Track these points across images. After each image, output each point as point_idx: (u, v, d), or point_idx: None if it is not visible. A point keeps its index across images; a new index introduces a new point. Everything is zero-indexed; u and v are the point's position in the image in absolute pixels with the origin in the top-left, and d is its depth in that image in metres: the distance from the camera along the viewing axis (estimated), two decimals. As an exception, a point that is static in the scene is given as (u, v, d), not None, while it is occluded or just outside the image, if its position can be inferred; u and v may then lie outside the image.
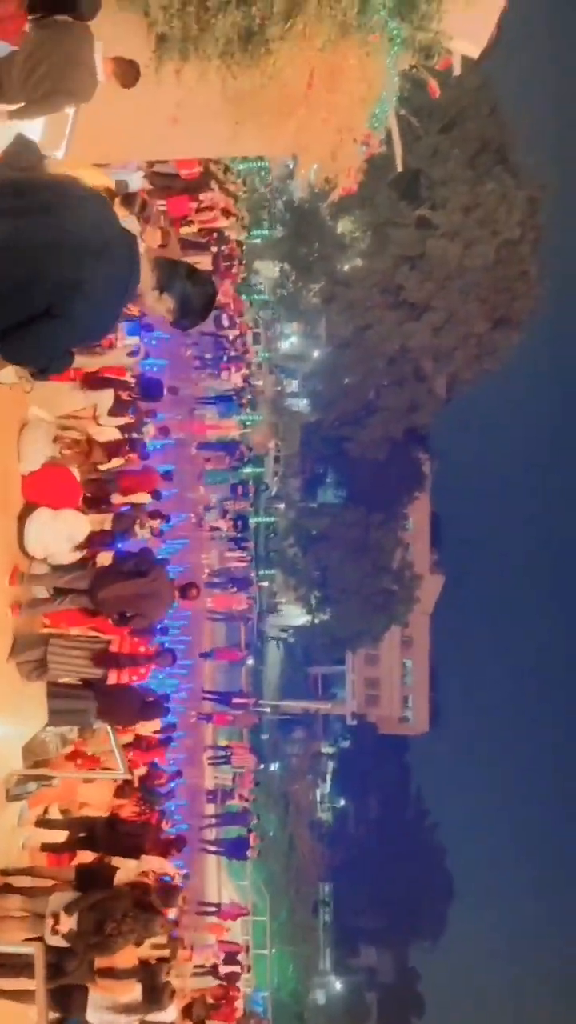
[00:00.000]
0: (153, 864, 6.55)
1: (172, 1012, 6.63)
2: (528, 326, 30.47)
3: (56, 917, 5.40)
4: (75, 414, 7.79)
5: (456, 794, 62.71)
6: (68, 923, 5.41)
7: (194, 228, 13.19)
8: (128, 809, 8.69)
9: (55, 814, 7.51)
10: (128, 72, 4.68)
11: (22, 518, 6.60)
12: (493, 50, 5.64)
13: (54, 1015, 5.87)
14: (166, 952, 6.12)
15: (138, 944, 5.62)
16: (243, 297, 21.94)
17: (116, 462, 8.16)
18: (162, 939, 5.90)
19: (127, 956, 5.53)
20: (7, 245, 2.39)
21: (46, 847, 7.09)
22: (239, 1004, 12.45)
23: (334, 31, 4.55)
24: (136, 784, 9.28)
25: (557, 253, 30.70)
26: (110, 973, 5.51)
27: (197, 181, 12.19)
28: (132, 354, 8.49)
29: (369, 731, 49.69)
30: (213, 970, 12.57)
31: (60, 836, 7.31)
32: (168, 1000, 6.07)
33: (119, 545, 8.33)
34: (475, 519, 71.42)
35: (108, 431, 8.15)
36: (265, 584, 35.15)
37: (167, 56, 4.88)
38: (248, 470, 24.74)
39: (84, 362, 7.08)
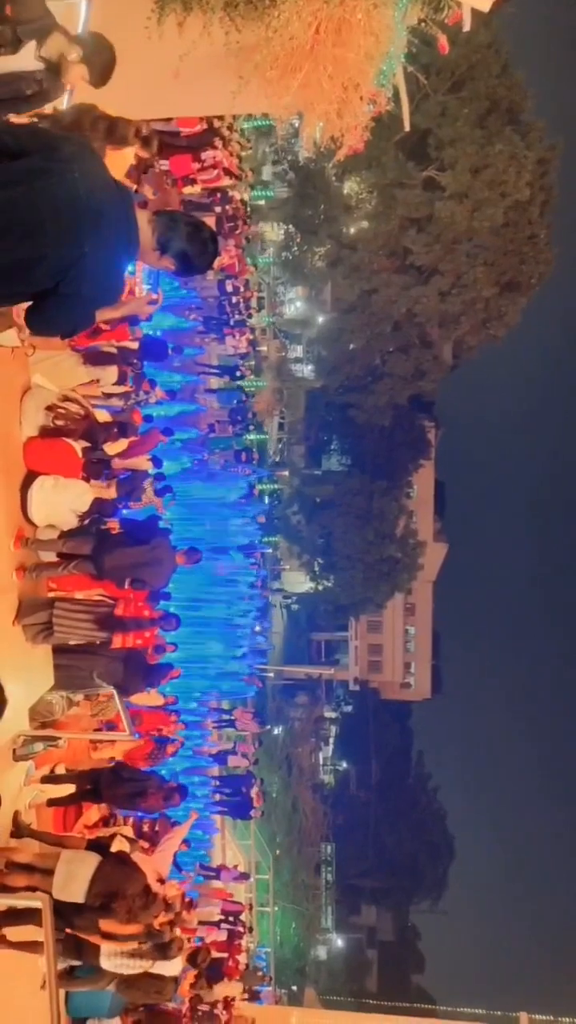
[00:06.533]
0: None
1: (177, 964, 6.82)
2: (536, 290, 30.06)
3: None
4: (79, 388, 7.76)
5: (457, 758, 63.57)
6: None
7: (197, 188, 13.00)
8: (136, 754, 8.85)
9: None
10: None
11: (25, 485, 6.62)
12: (505, 4, 5.49)
13: (64, 964, 6.03)
14: (170, 916, 6.25)
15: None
16: (248, 260, 21.65)
17: (119, 446, 8.05)
18: (163, 918, 6.00)
19: (130, 927, 5.66)
20: (2, 224, 2.33)
21: (52, 802, 7.22)
22: (241, 958, 12.79)
23: (341, -18, 4.42)
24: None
25: (567, 216, 30.20)
26: (114, 937, 5.63)
27: (200, 139, 11.98)
28: (151, 303, 8.41)
29: (371, 696, 50.19)
30: (216, 925, 12.89)
31: (66, 791, 7.46)
32: (176, 951, 6.24)
33: (124, 512, 8.35)
34: (480, 487, 71.33)
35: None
36: (269, 550, 35.25)
37: (169, 7, 4.75)
38: (252, 437, 24.65)
39: (107, 313, 6.96)
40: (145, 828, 9.08)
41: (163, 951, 5.95)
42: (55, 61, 4.14)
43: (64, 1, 4.76)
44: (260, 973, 14.30)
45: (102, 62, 4.34)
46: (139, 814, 8.88)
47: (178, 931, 6.51)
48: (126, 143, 5.47)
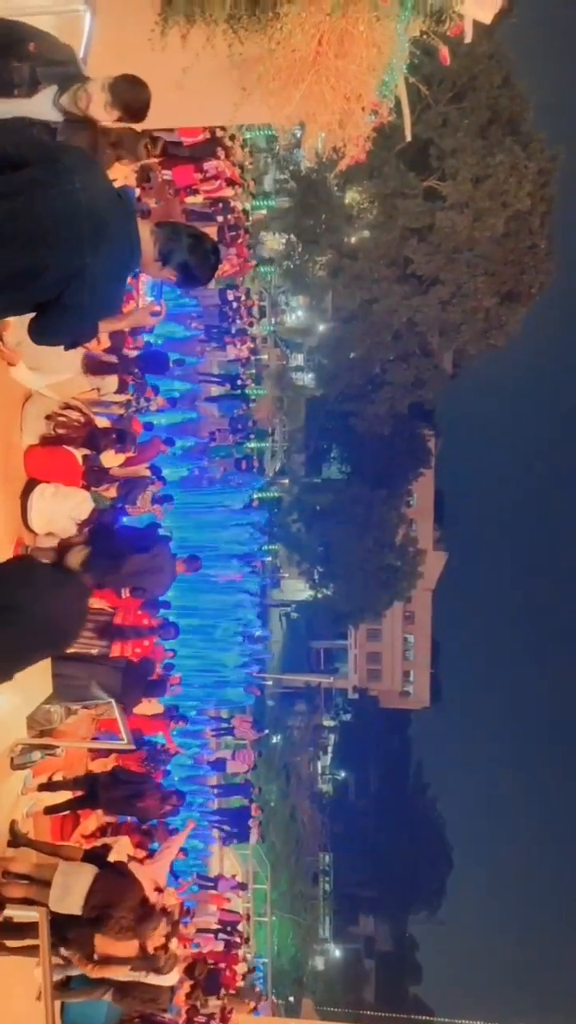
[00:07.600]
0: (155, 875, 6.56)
1: (174, 976, 6.78)
2: (536, 300, 30.15)
3: None
4: (80, 396, 7.78)
5: (455, 767, 63.42)
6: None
7: (199, 198, 13.04)
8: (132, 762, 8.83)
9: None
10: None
11: (25, 493, 6.62)
12: (506, 15, 5.51)
13: (61, 975, 5.98)
14: (163, 939, 6.19)
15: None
16: (251, 265, 21.71)
17: (116, 460, 8.05)
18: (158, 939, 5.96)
19: (126, 947, 5.61)
20: (5, 233, 2.33)
21: (49, 809, 7.19)
22: (239, 968, 12.71)
23: (344, -6, 4.44)
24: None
25: (567, 226, 30.30)
26: (109, 960, 5.59)
27: (202, 149, 12.03)
28: (154, 314, 8.41)
29: (370, 705, 50.11)
30: (213, 935, 12.83)
31: (63, 797, 7.43)
32: (171, 967, 6.20)
33: (123, 519, 8.35)
34: (479, 496, 71.35)
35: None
36: (269, 559, 35.24)
37: (172, 19, 4.77)
38: (252, 445, 24.68)
39: (109, 325, 6.94)
40: (144, 828, 9.03)
41: (159, 970, 5.92)
42: (76, 112, 3.71)
43: (68, 13, 4.78)
44: (257, 990, 14.20)
45: (131, 99, 3.82)
46: (136, 819, 8.85)
47: (174, 943, 6.47)
48: (137, 158, 5.40)
